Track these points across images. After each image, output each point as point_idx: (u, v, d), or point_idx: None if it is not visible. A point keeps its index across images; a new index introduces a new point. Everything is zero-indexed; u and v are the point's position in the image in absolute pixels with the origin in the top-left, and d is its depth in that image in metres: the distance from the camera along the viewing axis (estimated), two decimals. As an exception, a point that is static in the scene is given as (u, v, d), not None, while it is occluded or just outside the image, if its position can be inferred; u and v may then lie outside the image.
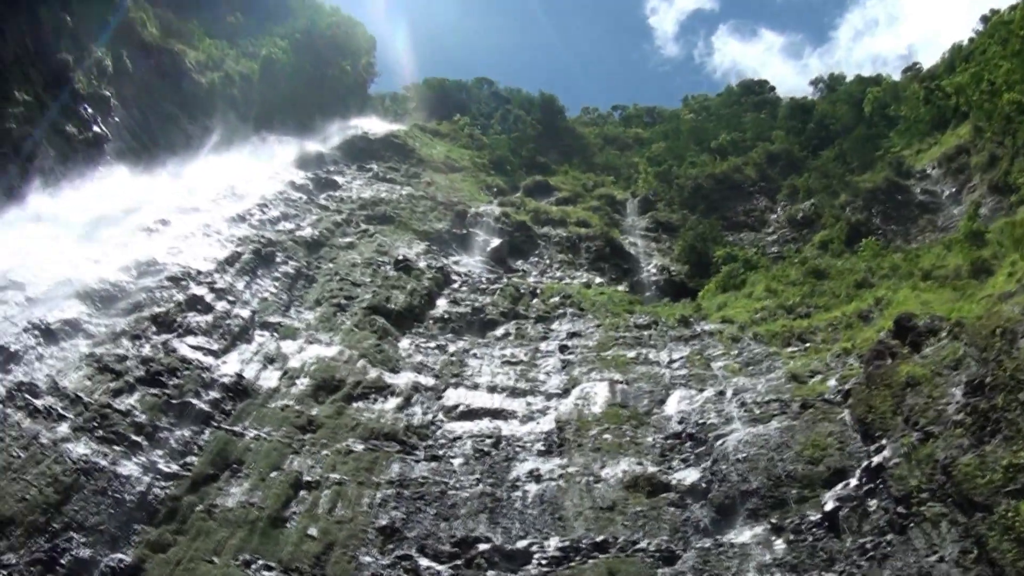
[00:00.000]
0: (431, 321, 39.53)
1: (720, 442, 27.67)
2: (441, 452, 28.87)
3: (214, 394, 28.56)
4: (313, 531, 24.07)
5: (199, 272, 34.90)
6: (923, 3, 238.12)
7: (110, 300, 30.60)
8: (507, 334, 39.09)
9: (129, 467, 23.95)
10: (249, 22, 75.04)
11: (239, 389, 29.47)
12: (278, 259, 40.13)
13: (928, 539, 19.78)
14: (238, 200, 45.99)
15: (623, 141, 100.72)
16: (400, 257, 45.15)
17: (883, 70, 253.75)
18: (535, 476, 27.70)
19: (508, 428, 30.56)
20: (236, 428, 27.61)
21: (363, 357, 33.83)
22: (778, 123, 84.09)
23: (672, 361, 35.10)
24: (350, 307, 38.16)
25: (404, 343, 36.63)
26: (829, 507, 22.87)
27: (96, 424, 24.60)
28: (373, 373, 32.88)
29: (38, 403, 24.10)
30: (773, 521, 23.46)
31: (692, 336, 37.56)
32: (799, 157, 72.39)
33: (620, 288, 50.48)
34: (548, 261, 53.84)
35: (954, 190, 55.50)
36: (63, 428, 23.85)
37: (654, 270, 55.98)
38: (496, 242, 53.48)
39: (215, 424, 27.35)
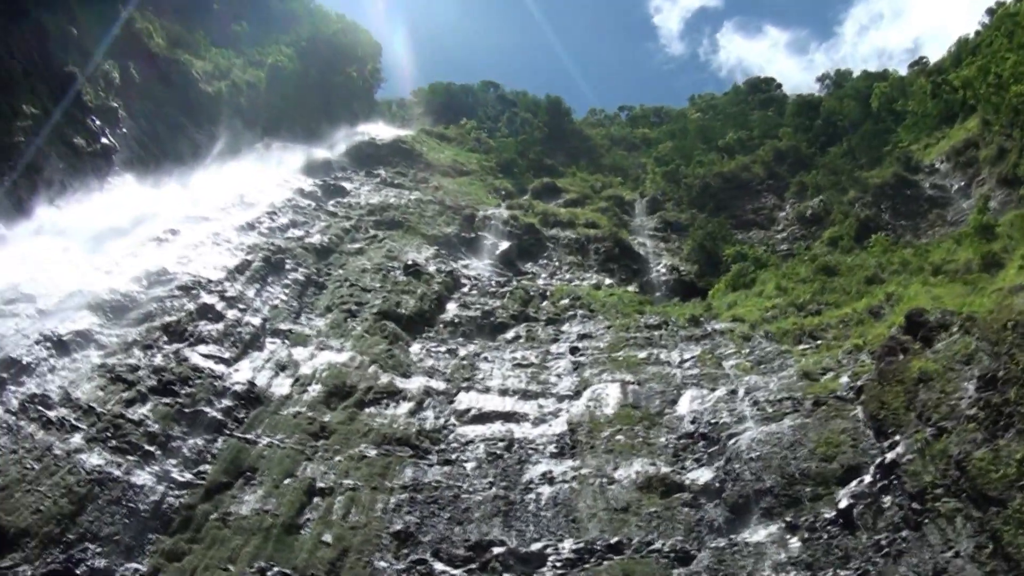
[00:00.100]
0: (441, 325, 39.54)
1: (733, 441, 27.61)
2: (454, 456, 28.87)
3: (226, 402, 28.61)
4: (328, 537, 24.09)
5: (209, 281, 34.99)
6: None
7: (121, 310, 30.70)
8: (517, 337, 39.07)
9: (143, 477, 24.01)
10: (255, 31, 75.38)
11: (251, 397, 29.52)
12: (288, 266, 40.22)
13: (943, 534, 19.71)
14: (247, 208, 46.11)
15: (630, 142, 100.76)
16: (409, 262, 45.19)
17: (889, 64, 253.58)
18: (548, 478, 27.67)
19: (520, 431, 30.54)
20: (249, 436, 27.65)
21: (374, 362, 33.86)
22: (785, 120, 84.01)
23: (683, 361, 35.03)
24: (360, 313, 38.20)
25: (415, 348, 36.65)
26: (843, 504, 22.79)
27: (109, 434, 24.68)
28: (384, 378, 32.91)
29: (51, 414, 24.20)
30: (788, 519, 23.39)
31: (703, 335, 37.48)
32: (807, 154, 72.24)
33: (630, 289, 50.45)
34: (557, 263, 53.79)
35: (963, 184, 55.33)
36: (76, 439, 23.93)
37: (664, 270, 55.94)
38: (505, 245, 53.47)
39: (228, 432, 27.40)
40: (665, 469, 27.49)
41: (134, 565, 21.64)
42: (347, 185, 59.16)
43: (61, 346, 27.07)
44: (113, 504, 22.68)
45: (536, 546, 24.58)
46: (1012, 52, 49.67)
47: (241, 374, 30.53)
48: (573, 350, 37.12)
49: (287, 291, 38.21)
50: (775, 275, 46.16)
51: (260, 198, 48.54)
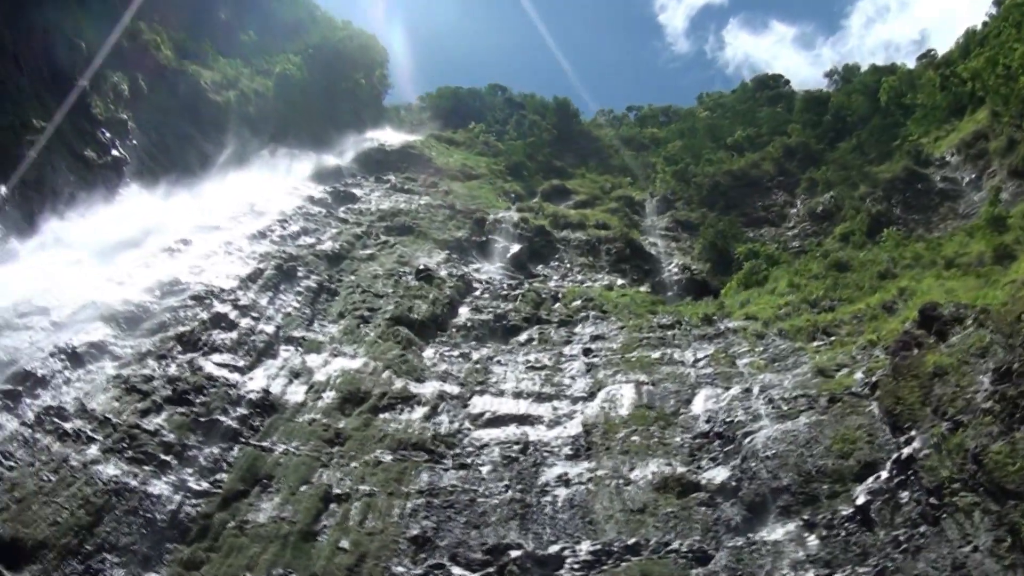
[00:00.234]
0: (454, 329, 39.55)
1: (749, 440, 27.52)
2: (469, 460, 28.85)
3: (241, 410, 28.69)
4: (345, 543, 24.10)
5: (222, 290, 35.13)
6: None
7: (135, 321, 30.84)
8: (530, 339, 39.04)
9: (159, 486, 24.09)
10: (262, 40, 75.75)
11: (266, 405, 29.59)
12: (300, 274, 40.32)
13: (961, 529, 19.61)
14: (258, 217, 46.28)
15: (639, 142, 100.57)
16: (421, 267, 45.23)
17: (896, 56, 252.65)
18: (564, 480, 27.62)
19: (535, 434, 30.50)
20: (264, 444, 27.71)
21: (388, 368, 33.89)
22: (794, 117, 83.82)
23: (697, 360, 34.95)
24: (373, 319, 38.25)
25: (428, 352, 36.67)
26: (861, 501, 22.69)
27: (125, 445, 24.78)
28: (398, 384, 32.93)
29: (67, 426, 24.32)
30: (805, 517, 23.29)
31: (716, 334, 37.40)
32: (816, 150, 72.09)
33: (642, 289, 50.39)
34: (568, 265, 53.76)
35: (974, 176, 55.10)
36: (93, 450, 24.04)
37: (675, 269, 55.86)
38: (516, 248, 53.46)
39: (243, 440, 27.47)
40: (681, 469, 27.41)
41: (152, 575, 21.69)
42: (357, 191, 59.32)
43: (75, 358, 27.22)
44: (130, 514, 22.75)
45: (553, 548, 24.53)
46: (1020, 42, 49.51)
47: (255, 382, 30.61)
48: (586, 351, 37.08)
49: (300, 298, 38.31)
50: (787, 272, 46.05)
51: (271, 206, 48.73)
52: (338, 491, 26.23)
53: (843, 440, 25.37)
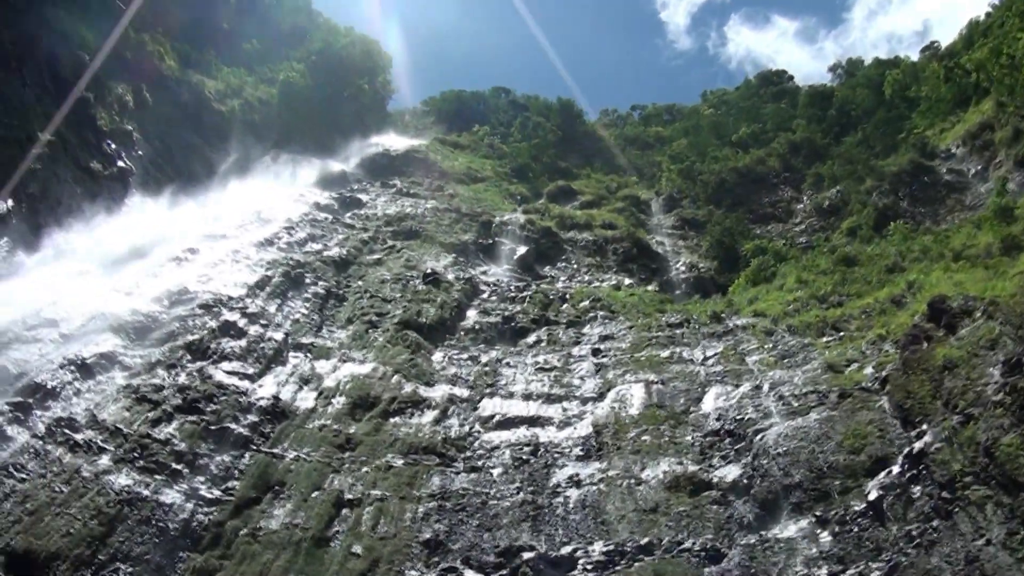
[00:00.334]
0: (462, 332, 39.57)
1: (760, 437, 27.46)
2: (480, 463, 28.85)
3: (252, 418, 28.74)
4: (357, 549, 24.12)
5: (230, 298, 35.19)
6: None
7: (144, 331, 30.92)
8: (539, 341, 39.03)
9: (171, 495, 24.14)
10: (265, 48, 76.03)
11: (276, 411, 29.64)
12: (307, 280, 40.38)
13: (974, 523, 19.53)
14: (264, 224, 46.35)
15: (644, 141, 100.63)
16: (428, 271, 45.26)
17: (899, 48, 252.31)
18: (575, 481, 27.60)
19: (545, 435, 30.49)
20: (275, 450, 27.75)
21: (397, 372, 33.92)
22: (798, 112, 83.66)
23: (706, 358, 34.90)
24: (382, 323, 38.29)
25: (437, 356, 36.68)
26: (873, 496, 22.61)
27: (136, 455, 24.84)
28: (408, 388, 32.95)
29: (78, 437, 24.38)
30: (817, 514, 23.23)
31: (725, 332, 37.35)
32: (822, 145, 71.89)
33: (650, 288, 50.32)
34: (576, 265, 53.73)
35: (980, 167, 54.91)
36: (104, 460, 24.09)
37: (683, 268, 55.80)
38: (522, 250, 53.45)
39: (254, 447, 27.52)
40: (692, 468, 27.36)
41: (166, 584, 21.78)
42: (363, 197, 59.39)
43: (85, 369, 27.28)
44: (143, 524, 22.80)
45: (566, 550, 24.51)
46: (1024, 32, 49.41)
47: (265, 389, 30.66)
48: (595, 352, 37.05)
49: (308, 305, 38.36)
50: (795, 268, 45.99)
51: (277, 213, 48.79)
52: (350, 496, 26.25)
53: (854, 435, 25.30)
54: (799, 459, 25.43)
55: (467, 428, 30.96)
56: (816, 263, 45.54)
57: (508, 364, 36.31)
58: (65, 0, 45.25)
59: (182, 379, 28.85)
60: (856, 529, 22.18)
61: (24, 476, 22.35)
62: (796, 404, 28.56)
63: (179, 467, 25.14)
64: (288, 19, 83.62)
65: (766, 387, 30.58)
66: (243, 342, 32.72)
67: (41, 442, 23.57)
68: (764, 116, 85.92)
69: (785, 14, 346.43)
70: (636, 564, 23.65)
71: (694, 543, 24.01)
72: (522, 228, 56.65)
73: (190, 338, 31.24)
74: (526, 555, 24.25)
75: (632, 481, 27.08)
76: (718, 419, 29.76)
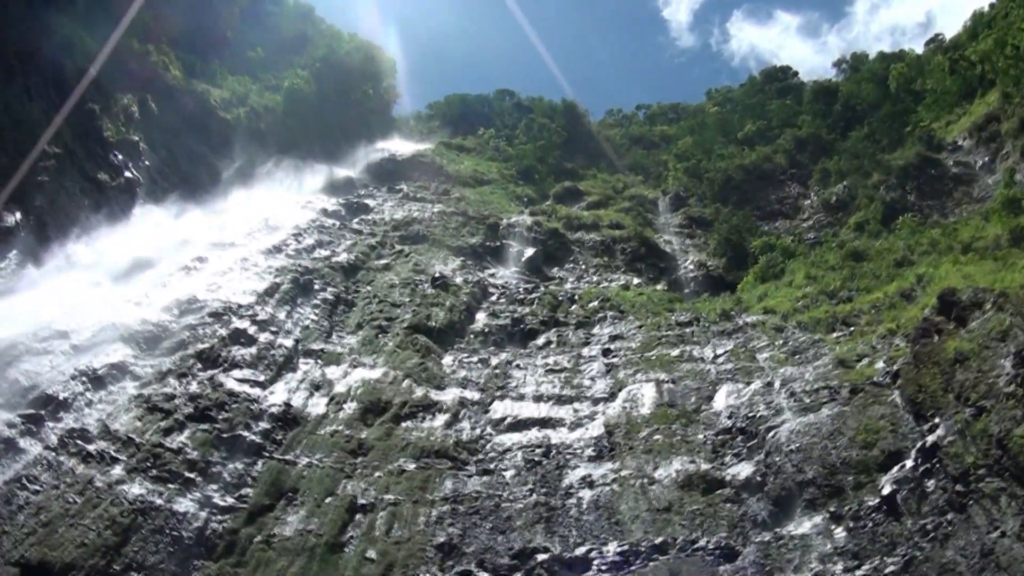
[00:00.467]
0: (472, 335, 39.58)
1: (772, 434, 27.41)
2: (492, 465, 28.84)
3: (264, 425, 28.76)
4: (372, 554, 24.13)
5: (240, 306, 35.24)
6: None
7: (154, 341, 30.97)
8: (549, 342, 39.02)
9: (185, 504, 24.16)
10: (270, 55, 76.22)
11: (288, 418, 29.66)
12: (316, 286, 40.42)
13: (988, 515, 19.47)
14: (272, 231, 46.44)
15: (649, 140, 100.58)
16: (436, 274, 45.28)
17: (902, 41, 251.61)
18: (588, 482, 27.57)
19: (557, 436, 30.46)
20: (288, 457, 27.77)
21: (408, 377, 33.93)
22: (804, 108, 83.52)
23: (717, 356, 34.86)
24: (391, 328, 38.30)
25: (447, 359, 36.69)
26: (887, 491, 22.55)
27: (149, 464, 24.87)
28: (419, 392, 32.96)
29: (90, 448, 24.42)
30: (831, 510, 23.18)
31: (735, 329, 37.30)
32: (828, 140, 71.76)
33: (658, 287, 50.31)
34: (584, 266, 53.74)
35: (987, 159, 54.73)
36: (117, 470, 24.13)
37: (691, 266, 55.76)
38: (530, 251, 53.48)
39: (267, 454, 27.54)
40: (705, 466, 27.32)
41: (182, 592, 21.82)
42: (370, 202, 59.47)
43: (97, 379, 27.33)
44: (157, 533, 22.83)
45: (580, 551, 24.48)
46: (1028, 22, 49.30)
47: (276, 396, 30.69)
48: (605, 352, 37.02)
49: (317, 311, 38.40)
50: (804, 264, 45.89)
51: (285, 220, 48.89)
52: (363, 501, 26.25)
53: (867, 430, 25.24)
54: (812, 455, 25.37)
55: (478, 431, 30.95)
56: (825, 259, 45.44)
57: (518, 366, 36.30)
58: (66, 6, 45.39)
59: (193, 388, 28.90)
60: (870, 524, 22.12)
61: (38, 488, 22.39)
62: (808, 400, 28.50)
63: (192, 476, 25.17)
64: (291, 26, 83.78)
65: (777, 384, 30.52)
66: (253, 349, 32.76)
67: (54, 453, 23.62)
68: (769, 113, 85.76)
69: (787, 9, 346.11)
70: (651, 564, 23.62)
71: (708, 541, 23.97)
72: (529, 230, 56.70)
73: (200, 347, 31.29)
74: (540, 557, 24.24)
75: (645, 481, 27.05)
76: (730, 417, 29.71)
